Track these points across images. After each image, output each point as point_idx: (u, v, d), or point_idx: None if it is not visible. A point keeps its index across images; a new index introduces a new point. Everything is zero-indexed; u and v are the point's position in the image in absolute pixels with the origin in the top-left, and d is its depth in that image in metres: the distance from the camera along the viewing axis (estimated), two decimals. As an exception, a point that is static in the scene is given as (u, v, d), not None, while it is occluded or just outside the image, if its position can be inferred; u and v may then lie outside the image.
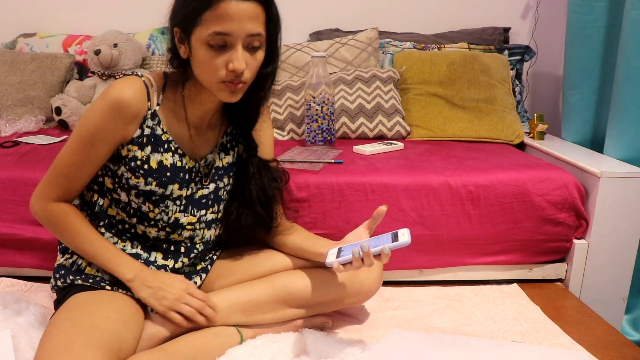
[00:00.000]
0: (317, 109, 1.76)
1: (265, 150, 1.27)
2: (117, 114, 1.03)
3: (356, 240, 1.12)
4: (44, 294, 1.39)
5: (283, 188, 1.29)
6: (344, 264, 1.05)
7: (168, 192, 1.11)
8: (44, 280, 1.44)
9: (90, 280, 1.10)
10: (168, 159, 1.10)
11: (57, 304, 1.12)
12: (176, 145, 1.11)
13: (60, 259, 1.16)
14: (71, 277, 1.11)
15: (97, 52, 1.97)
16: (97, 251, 1.08)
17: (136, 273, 1.08)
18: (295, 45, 2.18)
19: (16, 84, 2.01)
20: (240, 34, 0.98)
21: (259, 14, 1.00)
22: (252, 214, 1.21)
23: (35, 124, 1.94)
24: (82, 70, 2.16)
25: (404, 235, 1.04)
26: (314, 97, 1.76)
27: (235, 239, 1.32)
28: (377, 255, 1.04)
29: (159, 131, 1.09)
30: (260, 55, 1.04)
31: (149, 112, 1.07)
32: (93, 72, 2.05)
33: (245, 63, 1.00)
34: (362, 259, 1.03)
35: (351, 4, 2.38)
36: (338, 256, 1.07)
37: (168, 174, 1.10)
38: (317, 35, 2.34)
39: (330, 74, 1.86)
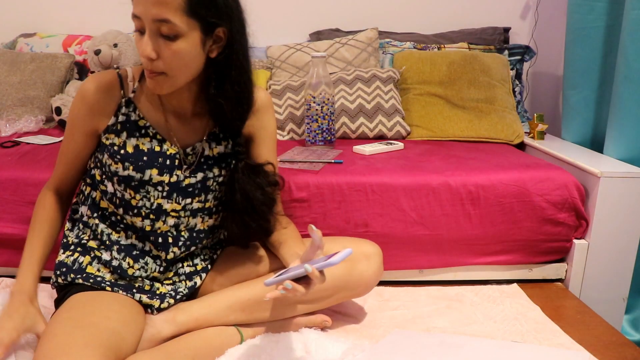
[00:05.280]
0: (317, 109, 1.76)
1: (265, 151, 1.23)
2: (84, 104, 1.09)
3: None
4: (44, 294, 1.39)
5: (276, 195, 1.22)
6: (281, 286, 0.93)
7: (146, 177, 1.10)
8: (44, 280, 1.42)
9: (91, 280, 1.10)
10: (145, 143, 1.11)
11: (57, 303, 1.12)
12: (154, 131, 1.12)
13: (61, 255, 1.16)
14: (72, 276, 1.11)
15: (97, 52, 1.97)
16: (25, 250, 1.11)
17: (17, 290, 1.06)
18: (295, 45, 2.18)
19: (16, 84, 2.01)
20: (146, 18, 0.95)
21: None
22: (241, 225, 1.18)
23: (35, 124, 1.94)
24: (82, 70, 2.16)
25: (336, 256, 0.89)
26: (314, 97, 1.76)
27: (236, 245, 1.30)
28: (308, 279, 0.93)
29: (134, 117, 1.11)
30: (178, 45, 0.97)
31: (123, 100, 1.10)
32: (93, 72, 2.06)
33: (154, 51, 0.97)
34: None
35: (351, 4, 2.38)
36: (280, 276, 0.96)
37: (145, 158, 1.10)
38: (317, 35, 2.34)
39: (330, 74, 1.86)
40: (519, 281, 1.59)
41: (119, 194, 1.12)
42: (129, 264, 1.13)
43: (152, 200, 1.12)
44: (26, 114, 1.97)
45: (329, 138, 1.81)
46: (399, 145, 1.82)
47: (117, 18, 2.29)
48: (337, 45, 2.17)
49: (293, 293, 0.91)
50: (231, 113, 1.10)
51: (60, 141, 1.77)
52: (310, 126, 1.79)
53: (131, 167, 1.09)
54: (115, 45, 2.00)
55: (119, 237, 1.15)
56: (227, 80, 1.06)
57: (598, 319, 1.41)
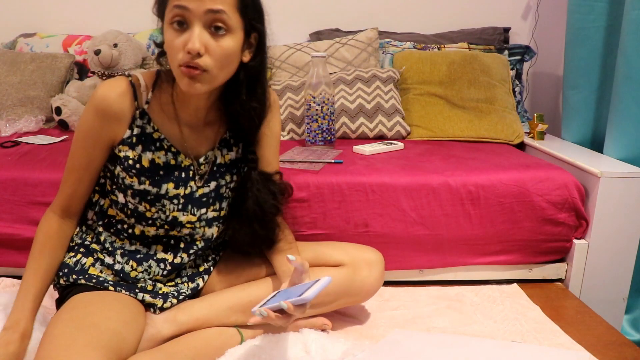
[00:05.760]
0: (317, 109, 1.76)
1: (268, 152, 1.21)
2: (100, 115, 1.03)
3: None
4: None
5: (284, 203, 1.21)
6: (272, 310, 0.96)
7: (163, 192, 1.09)
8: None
9: (94, 281, 1.10)
10: (160, 157, 1.08)
11: (58, 303, 1.12)
12: (169, 144, 1.09)
13: (64, 257, 1.16)
14: (74, 277, 1.10)
15: (97, 52, 1.97)
16: (22, 283, 1.07)
17: (9, 325, 1.03)
18: (295, 45, 2.18)
19: (16, 84, 2.01)
20: (198, 10, 0.92)
21: None
22: (249, 233, 1.16)
23: (35, 124, 1.94)
24: (82, 70, 2.16)
25: (310, 290, 0.91)
26: (314, 97, 1.76)
27: (238, 252, 1.28)
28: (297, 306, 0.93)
29: (149, 129, 1.07)
30: (228, 42, 0.97)
31: (137, 111, 1.06)
32: (93, 72, 2.06)
33: (203, 46, 0.94)
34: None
35: (351, 4, 2.38)
36: (266, 303, 0.99)
37: (161, 172, 1.09)
38: (317, 35, 2.34)
39: (330, 74, 1.86)
40: (519, 281, 1.59)
41: (131, 206, 1.10)
42: (132, 266, 1.13)
43: (167, 212, 1.12)
44: (26, 114, 1.97)
45: (329, 138, 1.81)
46: (399, 145, 1.82)
47: (117, 18, 2.30)
48: (337, 45, 2.17)
49: (273, 322, 0.94)
50: (257, 118, 1.11)
51: (61, 141, 1.79)
52: (310, 126, 1.80)
53: (147, 182, 1.07)
54: (115, 45, 2.00)
55: (122, 244, 1.14)
56: (258, 84, 1.08)
57: (598, 319, 1.41)
